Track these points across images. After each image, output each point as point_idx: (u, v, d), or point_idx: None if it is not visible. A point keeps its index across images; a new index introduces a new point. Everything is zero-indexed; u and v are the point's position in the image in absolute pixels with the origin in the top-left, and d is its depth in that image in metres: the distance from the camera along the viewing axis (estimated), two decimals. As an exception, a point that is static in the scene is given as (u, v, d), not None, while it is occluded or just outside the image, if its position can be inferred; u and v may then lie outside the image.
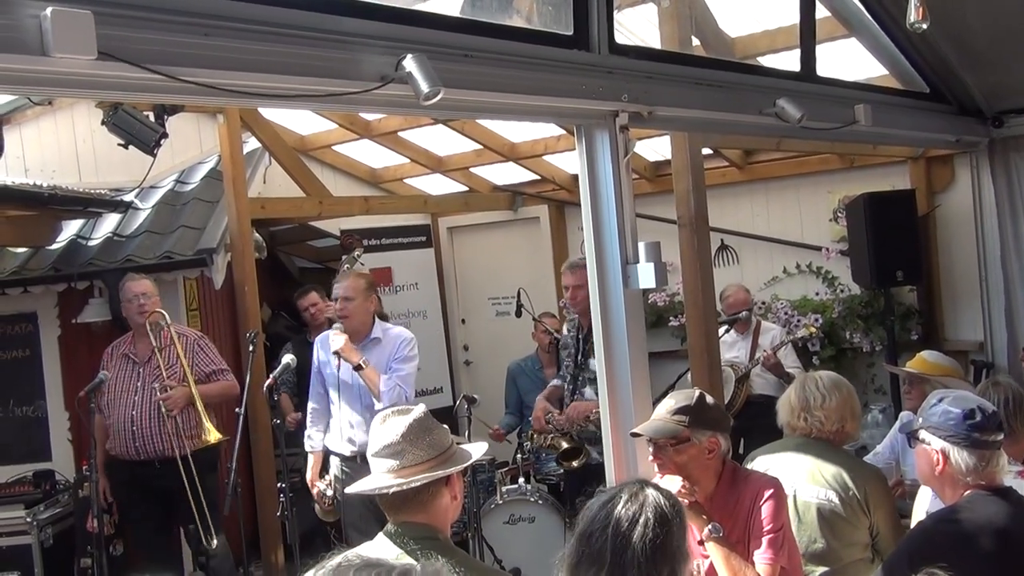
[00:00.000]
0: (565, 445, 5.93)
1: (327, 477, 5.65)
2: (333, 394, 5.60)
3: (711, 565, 3.26)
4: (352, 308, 5.48)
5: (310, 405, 5.79)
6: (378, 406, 5.23)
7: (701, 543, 3.24)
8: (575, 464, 5.92)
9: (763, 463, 3.87)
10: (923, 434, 3.01)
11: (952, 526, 2.91)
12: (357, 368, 5.37)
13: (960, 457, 2.90)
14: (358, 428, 5.44)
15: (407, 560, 1.83)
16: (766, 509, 3.31)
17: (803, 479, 3.76)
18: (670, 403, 3.44)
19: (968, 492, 2.93)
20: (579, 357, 5.80)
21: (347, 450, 5.52)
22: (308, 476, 5.72)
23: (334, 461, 5.65)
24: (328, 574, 1.63)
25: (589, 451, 5.76)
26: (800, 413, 3.89)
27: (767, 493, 3.35)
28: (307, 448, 5.77)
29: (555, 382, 6.37)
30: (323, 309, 6.95)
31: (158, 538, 5.97)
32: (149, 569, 5.67)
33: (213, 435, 5.68)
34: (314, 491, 5.65)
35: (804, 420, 3.88)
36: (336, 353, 5.39)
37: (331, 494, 5.56)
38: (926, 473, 3.06)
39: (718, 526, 3.21)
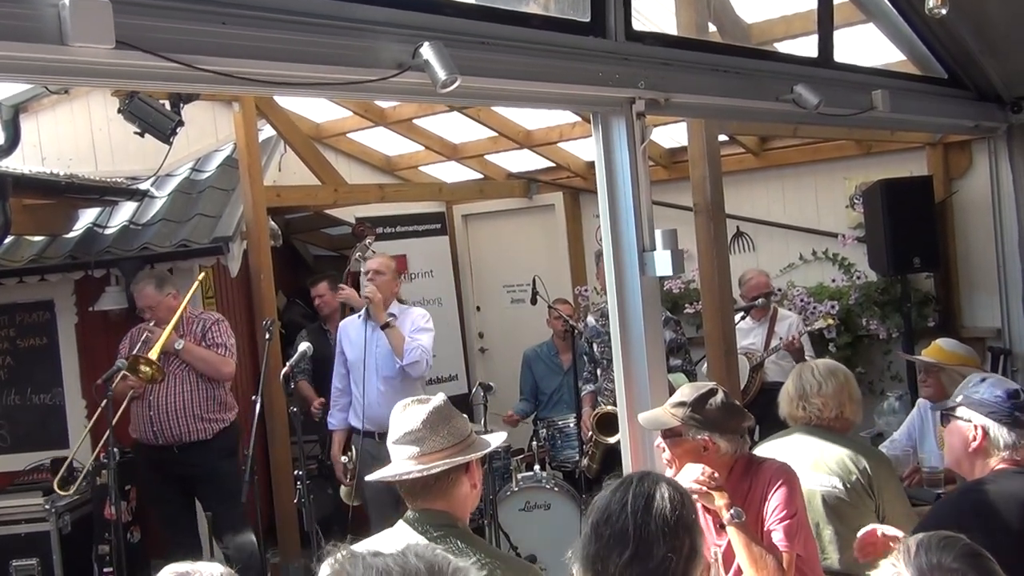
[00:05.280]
0: (612, 409, 5.97)
1: (350, 453, 5.85)
2: (354, 372, 5.91)
3: (727, 550, 3.26)
4: (381, 282, 5.87)
5: (333, 386, 6.12)
6: (398, 364, 5.71)
7: (722, 528, 3.23)
8: (608, 440, 6.01)
9: (767, 453, 3.85)
10: (962, 411, 3.08)
11: (979, 495, 2.96)
12: (384, 326, 5.73)
13: (1000, 433, 2.99)
14: (375, 403, 5.72)
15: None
16: (778, 496, 3.30)
17: (806, 468, 3.72)
18: (676, 394, 3.44)
19: (998, 467, 2.99)
20: None
21: (366, 425, 5.77)
22: (332, 451, 6.01)
23: (356, 438, 5.92)
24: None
25: None
26: (798, 402, 3.90)
27: (779, 481, 3.34)
28: (330, 426, 6.08)
29: (588, 389, 6.53)
30: (329, 301, 7.02)
31: (178, 523, 6.01)
32: (167, 554, 5.70)
33: (154, 351, 5.65)
34: (338, 466, 5.91)
35: (803, 409, 3.88)
36: (367, 306, 5.77)
37: (351, 466, 5.79)
38: (958, 449, 3.10)
39: (740, 511, 3.19)
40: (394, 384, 5.74)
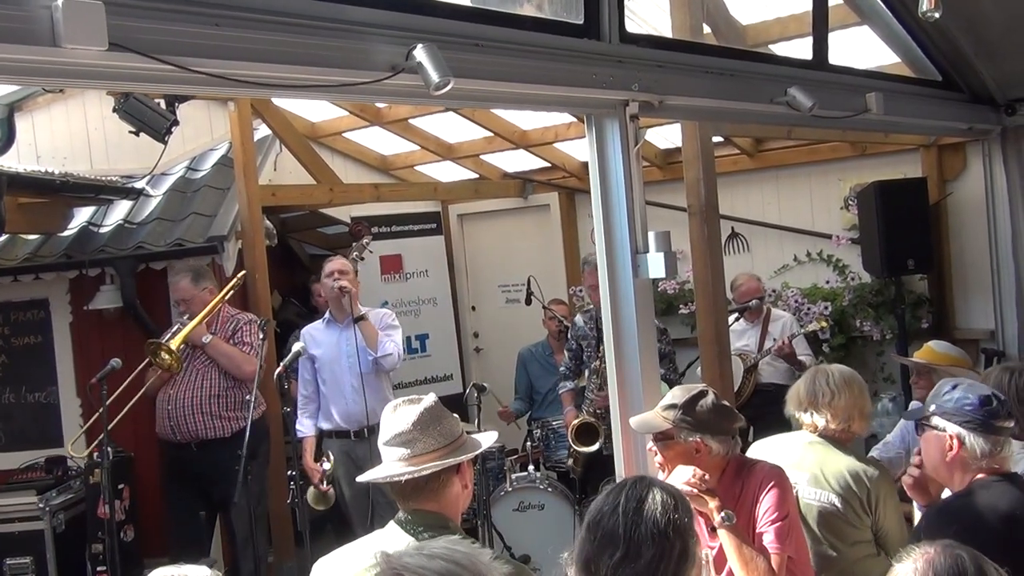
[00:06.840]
0: (587, 419, 6.04)
1: (323, 459, 5.82)
2: (326, 372, 5.99)
3: (719, 553, 3.26)
4: (347, 280, 5.94)
5: (299, 393, 6.07)
6: (371, 356, 5.82)
7: (713, 531, 3.23)
8: (583, 450, 6.03)
9: (764, 454, 3.82)
10: (936, 420, 3.03)
11: (962, 510, 2.93)
12: (359, 319, 5.84)
13: (975, 442, 2.93)
14: (351, 401, 5.82)
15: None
16: (769, 499, 3.30)
17: (804, 481, 3.72)
18: (667, 397, 3.43)
19: (978, 477, 2.95)
20: (600, 347, 5.90)
21: (342, 424, 5.88)
22: (304, 460, 5.82)
23: (328, 441, 6.00)
24: None
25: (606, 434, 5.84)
26: (807, 407, 3.84)
27: (770, 483, 3.34)
28: (299, 435, 5.88)
29: (567, 387, 6.57)
30: None
31: (189, 522, 5.96)
32: (173, 552, 5.70)
33: (176, 341, 5.71)
34: (314, 474, 5.79)
35: (810, 415, 3.84)
36: (342, 288, 5.82)
37: (331, 471, 5.75)
38: (935, 459, 3.07)
39: (731, 514, 3.19)
40: (369, 380, 5.83)
